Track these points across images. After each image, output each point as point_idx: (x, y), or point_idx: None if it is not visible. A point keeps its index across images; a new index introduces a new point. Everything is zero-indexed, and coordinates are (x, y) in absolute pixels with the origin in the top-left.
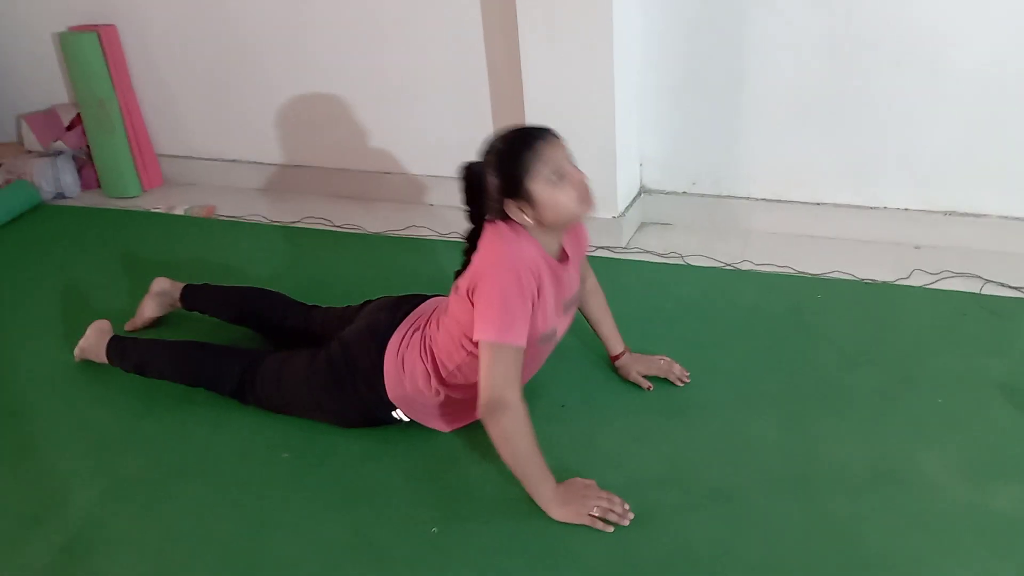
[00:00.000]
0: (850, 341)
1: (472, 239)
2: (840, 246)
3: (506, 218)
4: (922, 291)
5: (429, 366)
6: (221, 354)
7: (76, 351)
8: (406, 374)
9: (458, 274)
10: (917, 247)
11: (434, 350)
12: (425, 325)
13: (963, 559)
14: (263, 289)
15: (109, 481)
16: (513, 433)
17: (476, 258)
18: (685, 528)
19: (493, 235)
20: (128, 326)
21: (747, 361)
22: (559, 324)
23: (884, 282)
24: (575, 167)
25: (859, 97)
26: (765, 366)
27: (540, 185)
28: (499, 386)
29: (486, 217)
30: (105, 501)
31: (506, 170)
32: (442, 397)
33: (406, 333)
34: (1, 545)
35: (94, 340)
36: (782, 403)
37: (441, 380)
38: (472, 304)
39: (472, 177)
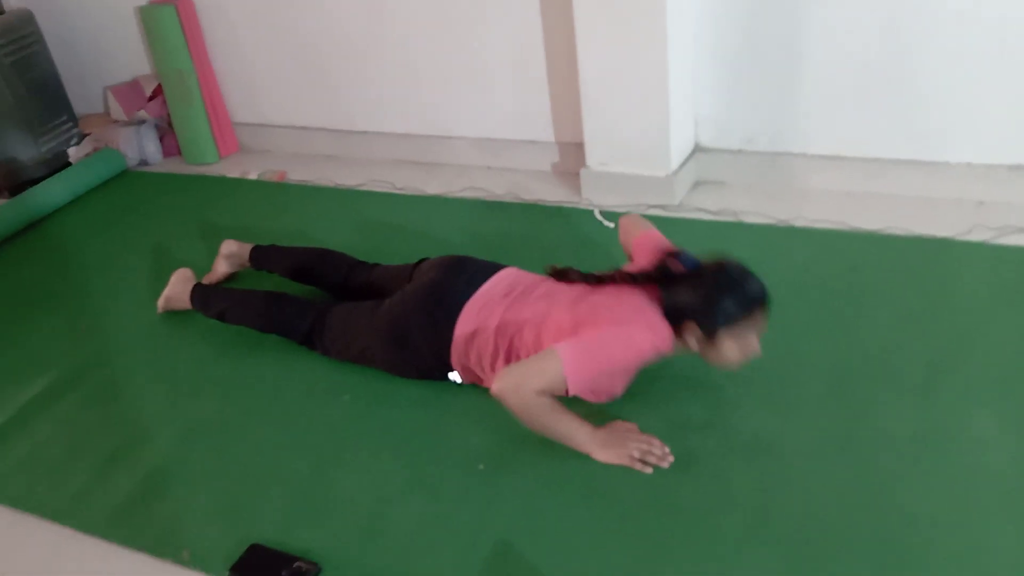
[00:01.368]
0: (905, 298)
1: (613, 277)
2: (898, 203)
3: (673, 319)
4: (982, 247)
5: (503, 349)
6: (294, 304)
7: (160, 301)
8: (474, 346)
9: (560, 273)
10: (980, 203)
11: (514, 339)
12: (509, 307)
13: (1011, 518)
14: (326, 249)
15: (186, 422)
16: (524, 409)
17: (614, 307)
18: (724, 474)
19: (643, 311)
20: (204, 281)
21: (798, 317)
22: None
23: (943, 238)
24: (758, 340)
25: (919, 52)
26: (816, 322)
27: (729, 338)
28: (526, 382)
29: (653, 288)
30: (182, 440)
31: (716, 310)
32: None
33: (485, 304)
34: (89, 477)
35: (180, 287)
36: (833, 359)
37: (508, 364)
38: (575, 329)
39: (670, 264)
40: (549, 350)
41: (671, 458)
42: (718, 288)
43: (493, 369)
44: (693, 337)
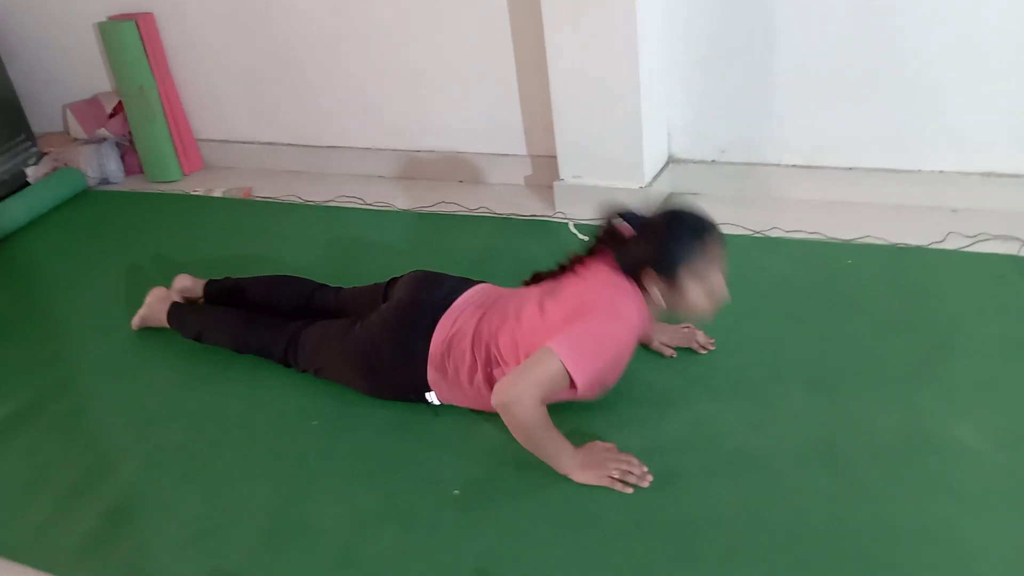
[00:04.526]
0: (882, 307)
1: (572, 263)
2: (873, 211)
3: (633, 275)
4: (958, 254)
5: (481, 359)
6: (269, 326)
7: (135, 320)
8: (451, 360)
9: (534, 278)
10: (954, 210)
11: (490, 347)
12: (483, 317)
13: (998, 525)
14: (283, 276)
15: (151, 451)
16: (526, 424)
17: (583, 291)
18: (707, 492)
19: (611, 282)
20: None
21: (775, 328)
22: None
23: (918, 246)
24: (723, 280)
25: (892, 58)
26: (794, 333)
27: (690, 278)
28: (529, 391)
29: (606, 257)
30: (147, 470)
31: (669, 249)
32: (481, 393)
33: (458, 318)
34: (50, 510)
35: (156, 307)
36: (811, 370)
37: (488, 377)
38: (557, 320)
39: (618, 225)
40: (543, 349)
41: (650, 477)
42: (667, 227)
43: (471, 382)
44: (655, 287)
